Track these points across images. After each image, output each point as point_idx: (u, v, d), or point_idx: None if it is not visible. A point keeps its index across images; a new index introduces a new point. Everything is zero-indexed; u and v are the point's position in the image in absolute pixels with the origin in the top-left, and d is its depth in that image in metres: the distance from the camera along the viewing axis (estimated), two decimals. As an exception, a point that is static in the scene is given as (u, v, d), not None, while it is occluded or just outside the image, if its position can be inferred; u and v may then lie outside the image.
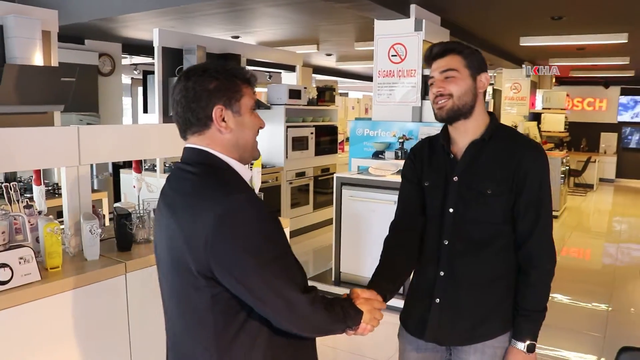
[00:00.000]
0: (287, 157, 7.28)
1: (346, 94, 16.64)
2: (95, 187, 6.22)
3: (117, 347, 2.56)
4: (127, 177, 6.04)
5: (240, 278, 1.40)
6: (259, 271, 1.41)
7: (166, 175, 1.74)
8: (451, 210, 1.90)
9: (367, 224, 4.97)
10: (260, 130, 1.63)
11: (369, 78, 11.96)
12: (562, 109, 11.11)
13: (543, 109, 11.18)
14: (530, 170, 1.82)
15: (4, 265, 2.12)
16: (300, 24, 7.08)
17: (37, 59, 4.69)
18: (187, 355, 1.55)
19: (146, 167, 6.09)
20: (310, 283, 4.42)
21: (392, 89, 5.49)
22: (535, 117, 11.23)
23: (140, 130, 3.06)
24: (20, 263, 2.18)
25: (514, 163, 1.83)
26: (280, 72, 11.39)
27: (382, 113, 5.58)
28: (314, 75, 13.27)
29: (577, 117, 13.69)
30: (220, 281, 1.41)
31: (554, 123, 11.33)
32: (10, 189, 2.53)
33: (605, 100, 13.92)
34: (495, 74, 10.97)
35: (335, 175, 5.22)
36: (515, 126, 9.55)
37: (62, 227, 2.54)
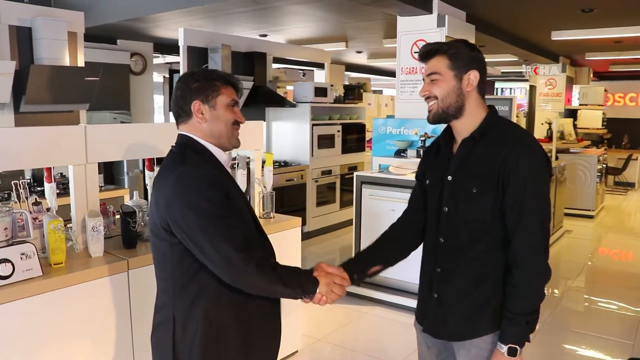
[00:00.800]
0: (312, 155, 7.27)
1: (380, 92, 16.55)
2: (126, 184, 6.36)
3: (120, 343, 2.61)
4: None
5: (186, 231, 1.72)
6: (201, 226, 1.71)
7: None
8: (445, 209, 1.94)
9: (386, 224, 4.87)
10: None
11: (401, 75, 11.85)
12: (599, 105, 10.79)
13: (580, 105, 10.88)
14: (514, 168, 1.78)
15: (5, 261, 2.19)
16: (326, 22, 7.08)
17: (64, 60, 4.82)
18: (159, 296, 1.93)
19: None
20: None
21: (415, 86, 5.43)
22: (571, 113, 10.93)
23: (149, 129, 3.11)
24: (22, 258, 2.25)
25: (499, 160, 1.81)
26: (313, 70, 11.41)
27: (405, 111, 5.52)
28: (347, 72, 13.24)
29: (618, 113, 13.25)
30: (175, 233, 1.75)
31: (591, 119, 11.02)
32: (20, 187, 2.61)
33: (650, 95, 13.45)
34: (530, 70, 10.74)
35: (355, 174, 5.20)
36: (549, 123, 9.35)
37: (68, 224, 2.60)
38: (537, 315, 1.83)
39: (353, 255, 2.14)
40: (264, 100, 6.98)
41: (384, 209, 4.93)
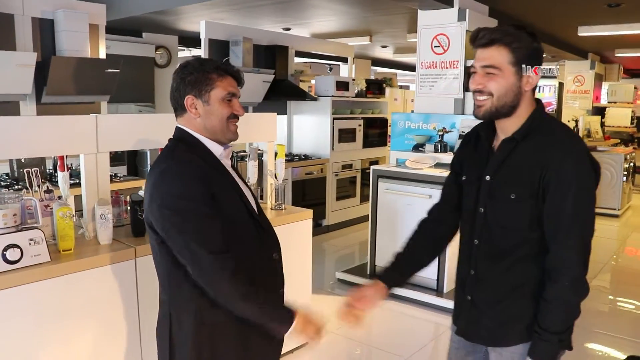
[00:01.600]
0: (333, 148, 7.27)
1: (407, 87, 16.45)
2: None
3: (127, 329, 2.66)
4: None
5: (164, 229, 1.73)
6: (177, 225, 1.70)
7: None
8: (481, 210, 1.83)
9: (402, 218, 4.91)
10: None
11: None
12: (629, 103, 10.56)
13: (608, 102, 10.66)
14: (557, 176, 1.65)
15: (14, 246, 2.24)
16: (349, 16, 7.06)
17: (85, 52, 4.90)
18: (160, 291, 1.95)
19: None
20: (348, 276, 4.49)
21: (434, 81, 5.39)
22: (599, 111, 10.72)
23: (159, 120, 3.14)
24: (30, 244, 2.30)
25: (541, 167, 1.67)
26: (339, 65, 11.39)
27: (424, 105, 5.49)
28: (373, 67, 13.19)
29: (651, 112, 12.96)
30: (157, 230, 1.76)
31: (620, 118, 10.77)
32: (32, 175, 2.66)
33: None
34: (557, 67, 10.55)
35: (371, 168, 5.19)
36: (576, 120, 9.19)
37: (75, 211, 2.65)
38: (570, 332, 1.73)
39: (389, 264, 2.07)
40: (285, 93, 7.01)
41: (400, 204, 4.92)
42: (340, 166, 7.46)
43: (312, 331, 1.82)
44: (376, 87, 8.24)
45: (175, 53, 8.57)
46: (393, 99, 10.69)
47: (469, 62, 5.13)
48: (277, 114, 3.83)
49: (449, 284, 4.67)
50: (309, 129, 7.46)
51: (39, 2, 4.72)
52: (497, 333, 1.85)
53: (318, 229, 7.06)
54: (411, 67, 14.15)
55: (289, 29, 8.07)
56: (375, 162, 7.89)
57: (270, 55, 6.99)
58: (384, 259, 5.06)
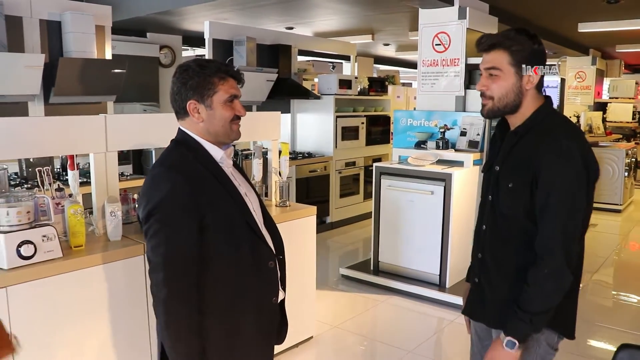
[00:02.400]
0: (336, 146, 7.34)
1: (409, 84, 16.48)
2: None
3: (136, 323, 2.74)
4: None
5: (144, 230, 1.79)
6: (150, 230, 1.75)
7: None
8: (490, 197, 1.99)
9: (405, 214, 4.98)
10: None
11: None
12: (630, 98, 10.59)
13: (610, 98, 10.70)
14: (542, 175, 1.77)
15: (28, 242, 2.32)
16: (351, 14, 7.12)
17: (92, 53, 4.98)
18: None
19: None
20: (352, 272, 4.57)
21: (436, 79, 5.44)
22: (601, 107, 10.75)
23: (165, 119, 3.21)
24: (43, 240, 2.38)
25: (534, 161, 1.80)
26: (342, 63, 11.44)
27: (426, 103, 5.55)
28: (376, 65, 13.24)
29: (653, 107, 12.98)
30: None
31: (621, 113, 10.81)
32: (44, 174, 2.74)
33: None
34: (559, 63, 10.59)
35: (374, 165, 5.26)
36: (578, 116, 9.23)
37: (86, 209, 2.73)
38: (544, 317, 1.82)
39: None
40: (288, 92, 7.07)
41: (402, 200, 4.99)
42: (343, 164, 7.53)
43: None
44: (379, 85, 8.31)
45: (179, 53, 8.64)
46: (395, 97, 10.72)
47: (470, 60, 5.20)
48: (281, 113, 3.90)
49: (452, 279, 4.74)
50: (313, 127, 7.53)
51: (47, 4, 4.80)
52: (498, 316, 1.94)
53: (322, 226, 7.14)
54: (413, 65, 14.12)
55: (291, 28, 8.14)
56: (378, 160, 7.95)
57: (274, 55, 7.06)
58: (387, 254, 5.14)
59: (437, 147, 5.13)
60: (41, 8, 4.75)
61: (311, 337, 3.96)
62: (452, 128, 5.17)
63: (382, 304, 4.75)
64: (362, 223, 7.62)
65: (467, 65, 5.20)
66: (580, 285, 1.99)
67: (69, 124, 2.77)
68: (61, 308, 2.44)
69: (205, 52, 6.33)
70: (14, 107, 4.66)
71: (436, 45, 5.38)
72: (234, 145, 2.01)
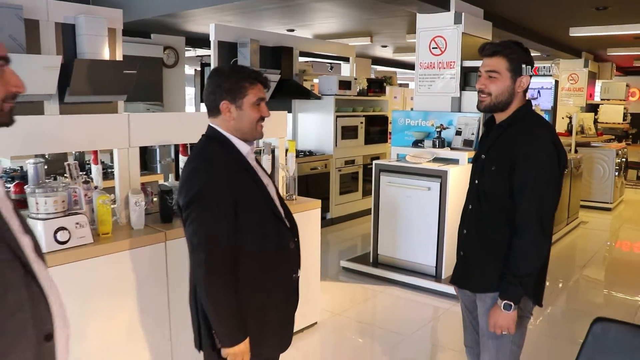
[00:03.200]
0: (336, 145, 7.59)
1: (406, 85, 16.74)
2: (159, 171, 6.75)
3: (157, 304, 2.98)
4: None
5: (185, 218, 2.02)
6: (191, 217, 1.98)
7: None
8: (476, 181, 2.37)
9: (403, 209, 5.23)
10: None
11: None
12: (621, 100, 10.86)
13: (601, 99, 10.96)
14: (520, 160, 2.16)
15: (63, 229, 2.56)
16: (350, 18, 7.35)
17: (104, 54, 5.21)
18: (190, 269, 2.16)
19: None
20: (352, 264, 4.85)
21: (432, 81, 5.69)
22: (593, 108, 11.01)
23: (183, 118, 3.46)
24: (76, 227, 2.62)
25: (514, 148, 2.20)
26: (340, 64, 11.68)
27: (423, 103, 5.80)
28: (373, 66, 13.47)
29: (643, 109, 13.24)
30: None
31: (612, 114, 11.06)
32: (73, 167, 2.98)
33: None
34: (553, 65, 10.81)
35: (374, 162, 5.51)
36: (570, 117, 9.47)
37: (112, 199, 2.97)
38: (531, 279, 2.20)
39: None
40: (290, 92, 7.31)
41: (400, 195, 5.24)
42: (343, 162, 7.78)
43: (239, 358, 2.04)
44: (377, 86, 8.55)
45: (182, 53, 8.87)
46: (393, 97, 10.98)
47: (465, 63, 5.45)
48: (284, 112, 4.14)
49: (447, 270, 4.99)
50: (313, 126, 7.77)
51: (62, 8, 5.03)
52: (481, 282, 2.34)
53: (322, 222, 7.32)
54: (410, 66, 14.39)
55: (292, 30, 8.37)
56: (377, 158, 8.16)
57: (276, 56, 7.29)
58: (386, 247, 5.39)
59: (434, 146, 5.38)
60: (57, 12, 4.98)
61: (315, 323, 4.20)
62: (448, 128, 5.42)
63: (381, 294, 5.00)
64: (361, 219, 7.85)
65: (462, 68, 5.45)
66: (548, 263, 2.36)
67: (96, 122, 3.01)
68: (92, 289, 2.68)
69: (211, 53, 6.56)
70: (30, 106, 4.87)
71: (433, 48, 5.63)
72: (254, 144, 2.25)
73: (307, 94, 7.41)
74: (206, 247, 1.96)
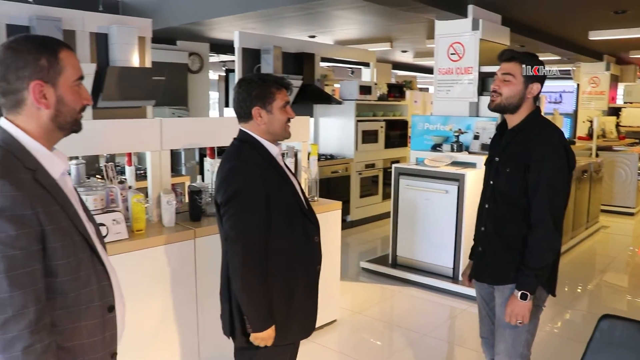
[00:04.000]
0: (357, 149, 7.75)
1: (427, 89, 16.82)
2: (184, 173, 6.98)
3: (186, 296, 3.18)
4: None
5: (223, 213, 2.20)
6: (233, 214, 2.15)
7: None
8: (491, 182, 2.55)
9: (421, 212, 5.37)
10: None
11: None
12: (645, 103, 10.82)
13: (624, 103, 10.91)
14: (534, 162, 2.33)
15: (101, 224, 2.76)
16: (370, 25, 7.53)
17: (134, 61, 5.45)
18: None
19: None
20: (371, 265, 5.03)
21: (451, 86, 5.83)
22: (615, 111, 10.99)
23: (211, 122, 3.65)
24: (113, 224, 2.82)
25: (527, 151, 2.37)
26: (361, 68, 11.84)
27: (442, 108, 5.93)
28: (393, 70, 13.61)
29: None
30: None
31: (635, 118, 10.97)
32: (109, 169, 3.19)
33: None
34: (574, 69, 10.86)
35: (393, 166, 5.66)
36: (591, 121, 9.49)
37: (146, 198, 3.17)
38: (546, 270, 2.38)
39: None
40: (312, 97, 7.50)
41: (419, 198, 5.38)
42: (363, 165, 7.93)
43: (265, 343, 2.23)
44: (397, 91, 8.70)
45: (207, 59, 9.09)
46: (413, 101, 11.09)
47: (483, 69, 5.57)
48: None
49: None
50: (334, 130, 7.95)
51: (96, 19, 5.30)
52: (499, 275, 2.52)
53: (343, 224, 7.49)
54: (431, 70, 14.47)
55: (314, 37, 8.56)
56: (397, 162, 8.29)
57: (298, 62, 7.49)
58: (404, 249, 5.53)
59: (452, 150, 5.51)
60: (91, 22, 5.25)
61: (335, 321, 4.36)
62: (466, 132, 5.55)
63: (399, 294, 5.14)
64: (381, 222, 8.00)
65: (480, 74, 5.58)
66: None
67: (130, 126, 3.23)
68: (127, 281, 2.85)
69: (235, 59, 6.77)
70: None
71: (451, 54, 5.77)
72: (280, 145, 2.44)
73: (328, 99, 7.59)
74: (242, 239, 2.15)
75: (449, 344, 4.31)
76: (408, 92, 10.10)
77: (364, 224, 7.97)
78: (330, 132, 8.00)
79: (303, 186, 4.11)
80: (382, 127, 8.17)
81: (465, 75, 5.68)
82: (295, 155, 4.04)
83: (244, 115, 2.30)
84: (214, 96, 10.64)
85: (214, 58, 10.30)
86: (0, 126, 1.45)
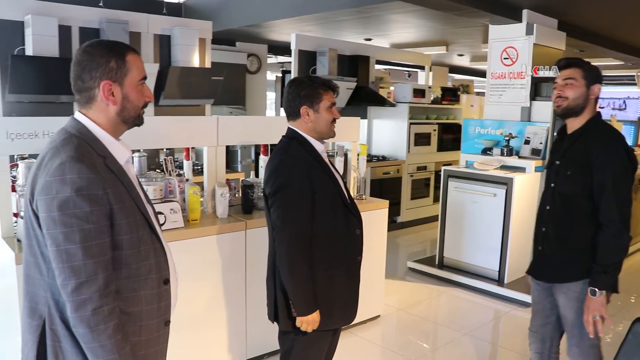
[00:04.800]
0: (409, 151, 7.83)
1: (483, 94, 16.62)
2: (239, 170, 7.23)
3: (236, 283, 3.38)
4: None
5: (271, 206, 2.37)
6: (279, 205, 2.33)
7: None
8: (552, 185, 2.69)
9: (469, 214, 5.42)
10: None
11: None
12: None
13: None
14: (597, 162, 2.46)
15: (160, 213, 2.98)
16: (426, 28, 7.58)
17: (195, 62, 5.72)
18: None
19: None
20: (418, 265, 5.19)
21: (503, 90, 5.85)
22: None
23: (264, 121, 3.85)
24: (170, 213, 3.04)
25: (588, 155, 2.50)
26: (417, 71, 11.86)
27: (494, 112, 5.96)
28: (450, 74, 13.55)
29: None
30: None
31: None
32: (168, 162, 3.42)
33: None
34: (638, 74, 10.59)
35: (443, 168, 5.73)
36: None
37: (202, 191, 3.38)
38: (616, 268, 2.48)
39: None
40: (366, 99, 7.63)
41: (467, 201, 5.43)
42: (415, 168, 8.01)
43: (310, 327, 2.38)
44: (451, 94, 8.73)
45: (264, 60, 9.34)
46: (470, 105, 11.04)
47: (543, 72, 5.55)
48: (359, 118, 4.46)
49: (510, 275, 5.14)
50: (387, 132, 8.05)
51: (160, 21, 5.62)
52: (559, 273, 2.65)
53: (392, 225, 7.61)
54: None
55: (370, 40, 8.67)
56: (449, 165, 8.35)
57: (353, 64, 7.63)
58: (451, 250, 5.59)
59: (502, 154, 5.54)
60: (155, 25, 5.57)
61: (378, 316, 4.48)
62: (516, 137, 5.56)
63: (444, 294, 5.21)
64: (431, 225, 8.02)
65: (533, 78, 5.57)
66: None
67: (189, 123, 3.45)
68: (182, 266, 3.06)
69: (292, 61, 6.97)
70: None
71: (504, 59, 5.79)
72: (325, 143, 2.59)
73: (382, 101, 7.70)
74: (289, 228, 2.31)
75: (491, 345, 4.35)
76: (464, 96, 10.09)
77: (414, 226, 8.04)
78: (384, 133, 8.11)
79: (352, 185, 4.26)
80: (435, 130, 8.22)
81: (518, 79, 5.68)
82: (345, 154, 4.18)
83: (292, 113, 2.47)
84: (271, 96, 10.90)
85: (272, 59, 10.54)
86: (76, 119, 1.68)
